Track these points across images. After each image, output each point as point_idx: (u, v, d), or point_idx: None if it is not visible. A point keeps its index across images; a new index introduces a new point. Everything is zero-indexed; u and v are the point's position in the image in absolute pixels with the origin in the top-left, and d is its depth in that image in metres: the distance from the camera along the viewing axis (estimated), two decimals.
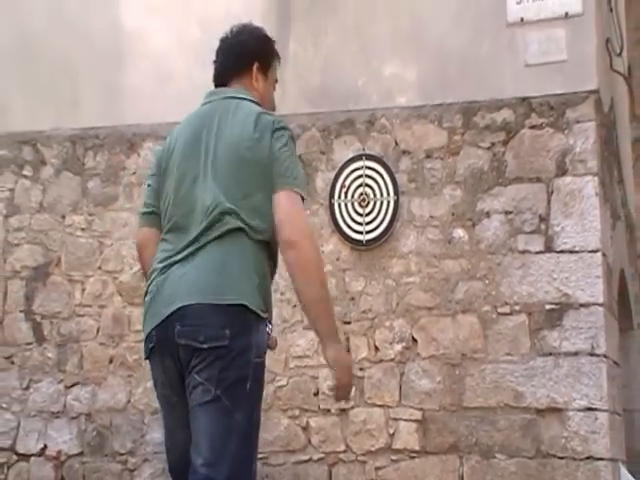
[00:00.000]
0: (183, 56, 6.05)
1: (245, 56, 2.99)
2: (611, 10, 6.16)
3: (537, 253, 5.25)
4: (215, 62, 3.04)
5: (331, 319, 2.79)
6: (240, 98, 2.90)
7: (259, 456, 3.04)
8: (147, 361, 2.80)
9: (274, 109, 3.04)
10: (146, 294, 2.78)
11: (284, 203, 2.71)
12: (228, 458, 2.56)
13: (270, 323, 2.76)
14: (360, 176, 5.61)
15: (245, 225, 2.68)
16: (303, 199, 2.77)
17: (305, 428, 5.49)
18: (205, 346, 2.57)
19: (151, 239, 2.91)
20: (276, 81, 3.11)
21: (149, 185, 2.97)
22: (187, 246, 2.70)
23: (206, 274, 2.65)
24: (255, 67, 2.99)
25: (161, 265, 2.74)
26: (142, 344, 2.81)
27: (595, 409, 5.02)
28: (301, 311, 5.51)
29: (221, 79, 3.00)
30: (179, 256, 2.70)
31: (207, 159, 2.77)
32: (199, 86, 5.69)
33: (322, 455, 5.43)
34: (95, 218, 6.06)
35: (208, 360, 2.58)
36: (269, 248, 2.78)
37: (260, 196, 2.73)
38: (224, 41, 3.03)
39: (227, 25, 6.34)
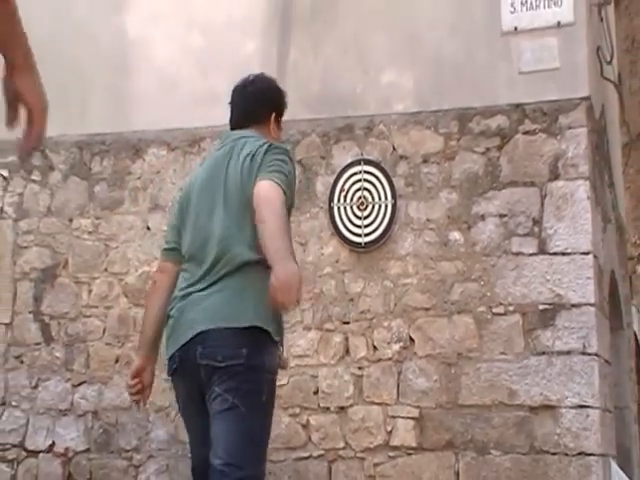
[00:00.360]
0: (186, 63, 6.12)
1: (265, 106, 3.19)
2: (602, 19, 6.20)
3: (530, 255, 5.30)
4: (231, 104, 3.22)
5: (287, 246, 2.74)
6: (250, 137, 3.09)
7: None
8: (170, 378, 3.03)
9: None
10: (168, 318, 3.00)
11: (257, 188, 2.83)
12: (241, 460, 2.79)
13: (282, 346, 2.98)
14: (359, 180, 5.66)
15: (255, 254, 2.84)
16: (285, 193, 2.85)
17: (305, 426, 5.54)
18: (223, 364, 2.81)
19: (169, 270, 3.12)
20: (281, 128, 3.30)
21: (171, 223, 3.22)
22: (204, 275, 2.93)
23: (223, 301, 2.87)
24: (273, 116, 3.20)
25: (181, 293, 2.98)
26: None
27: (587, 406, 5.07)
28: (301, 312, 5.62)
29: (238, 124, 3.19)
30: (198, 285, 2.93)
31: (220, 195, 2.98)
32: (200, 92, 5.87)
33: (322, 452, 5.48)
34: (101, 221, 6.12)
35: (227, 375, 2.82)
36: None
37: None
38: (244, 87, 3.22)
39: (229, 33, 6.47)
